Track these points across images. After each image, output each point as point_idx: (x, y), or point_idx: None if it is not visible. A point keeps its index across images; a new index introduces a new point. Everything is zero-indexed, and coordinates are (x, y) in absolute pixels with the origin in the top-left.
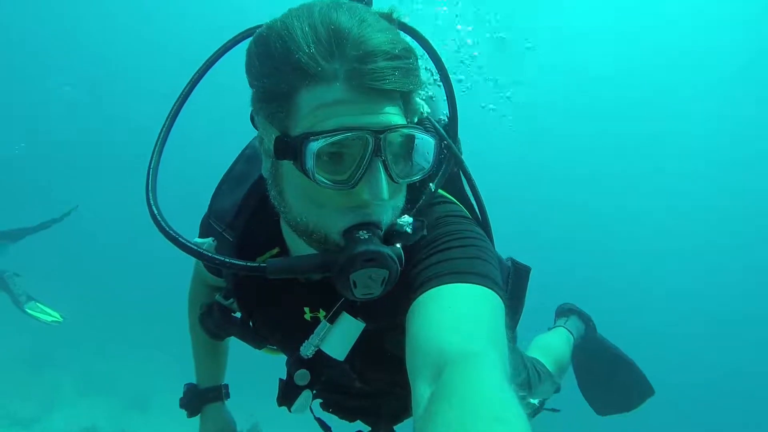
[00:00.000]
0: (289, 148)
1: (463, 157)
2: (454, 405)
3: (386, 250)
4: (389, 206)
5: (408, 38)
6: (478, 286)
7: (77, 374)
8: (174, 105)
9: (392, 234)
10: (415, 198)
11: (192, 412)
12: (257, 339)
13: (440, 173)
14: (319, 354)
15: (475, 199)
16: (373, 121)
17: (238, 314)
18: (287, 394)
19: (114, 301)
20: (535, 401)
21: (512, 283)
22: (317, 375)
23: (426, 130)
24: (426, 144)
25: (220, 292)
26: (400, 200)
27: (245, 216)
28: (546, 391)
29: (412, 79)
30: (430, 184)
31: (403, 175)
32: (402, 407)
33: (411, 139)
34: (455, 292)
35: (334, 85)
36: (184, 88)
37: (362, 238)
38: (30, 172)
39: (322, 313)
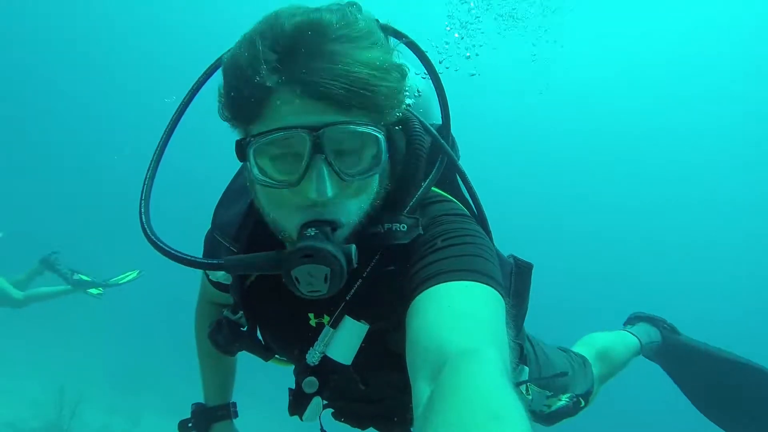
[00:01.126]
0: (242, 150)
1: (459, 156)
2: (452, 404)
3: (326, 246)
4: (349, 205)
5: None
6: (477, 283)
7: (158, 396)
8: (163, 135)
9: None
10: (407, 197)
11: None
12: (266, 350)
13: (434, 172)
14: (326, 360)
15: (471, 197)
16: (312, 119)
17: (247, 328)
18: (298, 403)
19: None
20: (565, 398)
21: (515, 281)
22: (325, 381)
23: (368, 125)
24: (372, 139)
25: (227, 309)
26: (364, 200)
27: (248, 227)
28: (580, 386)
29: (358, 93)
30: (423, 183)
31: (351, 172)
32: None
33: (356, 135)
34: (454, 291)
35: (278, 93)
36: (171, 120)
37: (308, 234)
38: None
39: (326, 319)
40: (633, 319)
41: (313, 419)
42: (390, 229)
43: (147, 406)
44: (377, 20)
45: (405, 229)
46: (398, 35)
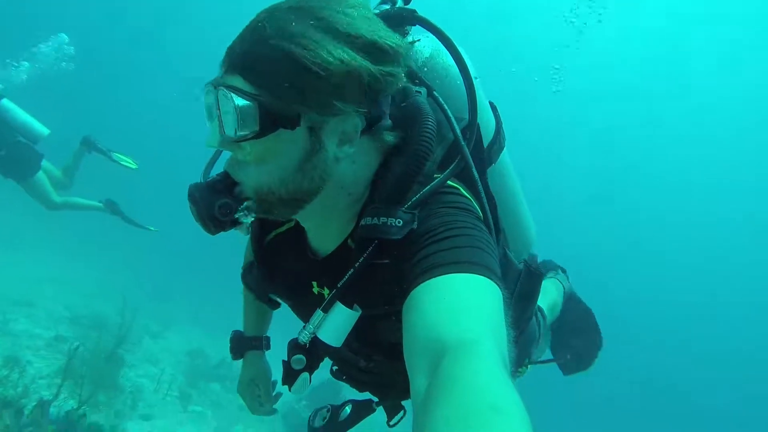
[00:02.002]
0: None
1: (503, 145)
2: (450, 395)
3: (194, 190)
4: (249, 170)
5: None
6: (475, 275)
7: (188, 306)
8: None
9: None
10: (409, 192)
11: (236, 356)
12: (271, 302)
13: (447, 172)
14: (316, 340)
15: (487, 199)
16: (219, 79)
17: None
18: (287, 376)
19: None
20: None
21: (521, 284)
22: (315, 359)
23: (238, 92)
24: (236, 106)
25: None
26: (270, 172)
27: None
28: (542, 348)
29: (247, 65)
30: (437, 176)
31: (225, 131)
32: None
33: (228, 100)
34: (452, 283)
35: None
36: None
37: (211, 176)
38: None
39: (326, 291)
40: (555, 267)
41: (301, 392)
42: (385, 223)
43: (176, 316)
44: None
45: (400, 224)
46: (425, 24)
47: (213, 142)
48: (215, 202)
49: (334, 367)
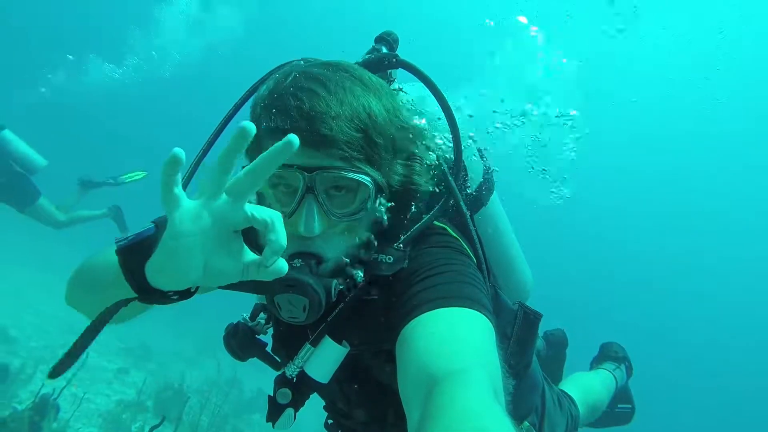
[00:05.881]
0: None
1: (493, 185)
2: (440, 423)
3: (308, 279)
4: (336, 241)
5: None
6: (463, 308)
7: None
8: (204, 145)
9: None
10: (401, 230)
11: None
12: (275, 362)
13: (435, 209)
14: (304, 375)
15: (476, 236)
16: (308, 162)
17: (261, 336)
18: (272, 411)
19: None
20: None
21: (518, 328)
22: (301, 395)
23: (359, 171)
24: (362, 186)
25: (247, 313)
26: (352, 237)
27: None
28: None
29: (354, 141)
30: (424, 216)
31: (340, 213)
32: None
33: (345, 179)
34: (440, 318)
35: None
36: (217, 126)
37: (294, 265)
38: None
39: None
40: (620, 359)
41: (285, 428)
42: (376, 260)
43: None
44: (392, 55)
45: (391, 261)
46: (410, 68)
47: (319, 227)
48: (330, 287)
49: (329, 421)
